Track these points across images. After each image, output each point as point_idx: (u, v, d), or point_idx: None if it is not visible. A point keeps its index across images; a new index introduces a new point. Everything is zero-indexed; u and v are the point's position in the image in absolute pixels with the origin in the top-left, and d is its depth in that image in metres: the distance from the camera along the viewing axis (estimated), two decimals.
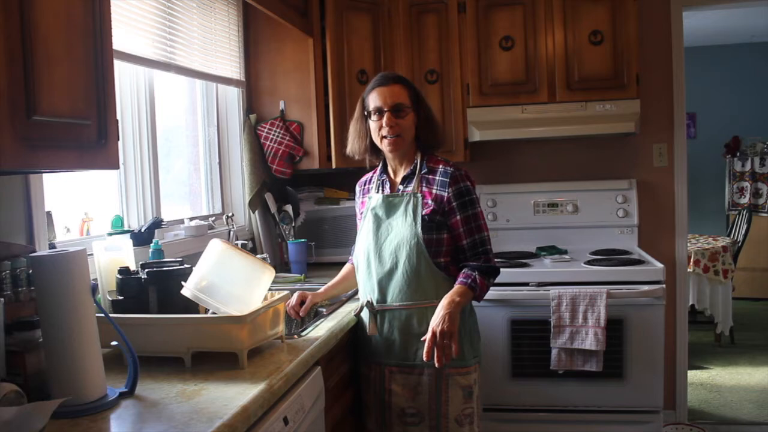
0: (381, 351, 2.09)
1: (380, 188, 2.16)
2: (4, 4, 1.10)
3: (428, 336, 1.88)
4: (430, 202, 2.04)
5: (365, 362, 2.15)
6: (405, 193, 2.09)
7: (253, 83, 3.18)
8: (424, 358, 1.89)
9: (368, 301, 2.09)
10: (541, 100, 3.16)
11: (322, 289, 2.26)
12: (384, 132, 2.04)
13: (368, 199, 2.18)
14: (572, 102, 3.13)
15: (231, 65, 2.99)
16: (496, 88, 3.20)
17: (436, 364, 1.87)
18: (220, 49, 2.87)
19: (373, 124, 2.08)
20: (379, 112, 2.05)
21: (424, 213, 2.03)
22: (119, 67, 2.16)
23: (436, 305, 1.95)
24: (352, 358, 2.19)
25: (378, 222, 2.10)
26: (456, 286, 1.98)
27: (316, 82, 3.11)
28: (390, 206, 2.09)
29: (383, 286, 2.06)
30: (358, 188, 2.28)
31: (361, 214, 2.21)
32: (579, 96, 3.13)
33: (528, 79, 3.18)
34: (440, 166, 2.08)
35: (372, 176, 2.24)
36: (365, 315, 2.12)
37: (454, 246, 2.06)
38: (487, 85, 3.21)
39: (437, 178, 2.06)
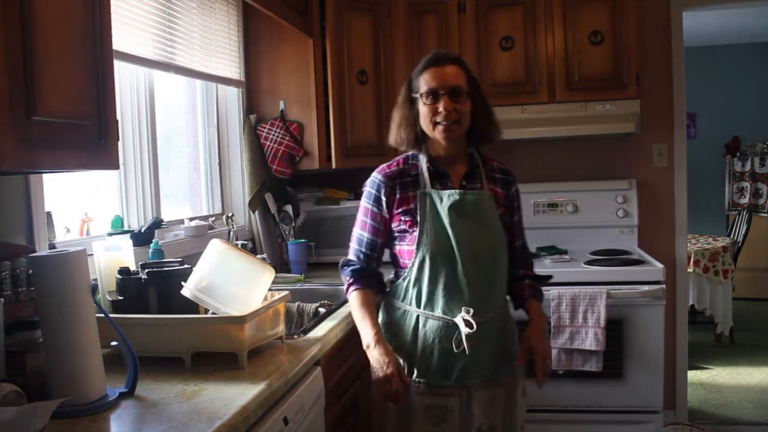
0: (468, 371, 1.81)
1: (436, 183, 1.87)
2: (4, 4, 1.10)
3: (541, 363, 1.87)
4: (501, 201, 1.91)
5: (438, 388, 1.82)
6: (479, 191, 1.87)
7: (253, 83, 3.18)
8: (540, 385, 1.85)
9: (466, 320, 1.76)
10: (541, 100, 3.16)
11: (377, 337, 1.81)
12: (439, 118, 1.79)
13: (424, 195, 1.84)
14: (572, 102, 3.13)
15: (231, 65, 2.99)
16: (496, 88, 3.20)
17: (542, 386, 1.86)
18: (220, 49, 2.87)
19: (424, 108, 1.82)
20: (434, 94, 1.80)
21: (500, 213, 1.89)
22: (119, 67, 2.16)
23: (508, 311, 1.93)
24: (353, 359, 2.18)
25: (462, 222, 1.81)
26: (533, 304, 1.95)
27: (316, 82, 3.11)
28: (471, 204, 1.83)
29: (481, 295, 1.80)
30: (386, 180, 1.88)
31: (400, 212, 1.85)
32: (579, 96, 3.13)
33: (528, 79, 3.18)
34: (495, 163, 1.96)
35: (403, 168, 1.90)
36: (441, 329, 1.81)
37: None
38: (487, 85, 3.20)
39: (498, 176, 1.94)
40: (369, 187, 1.92)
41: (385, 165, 1.94)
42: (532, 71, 3.17)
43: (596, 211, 3.43)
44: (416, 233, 1.82)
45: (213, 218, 2.85)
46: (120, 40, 2.06)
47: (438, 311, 1.80)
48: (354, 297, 1.88)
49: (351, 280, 1.90)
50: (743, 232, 5.47)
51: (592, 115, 3.11)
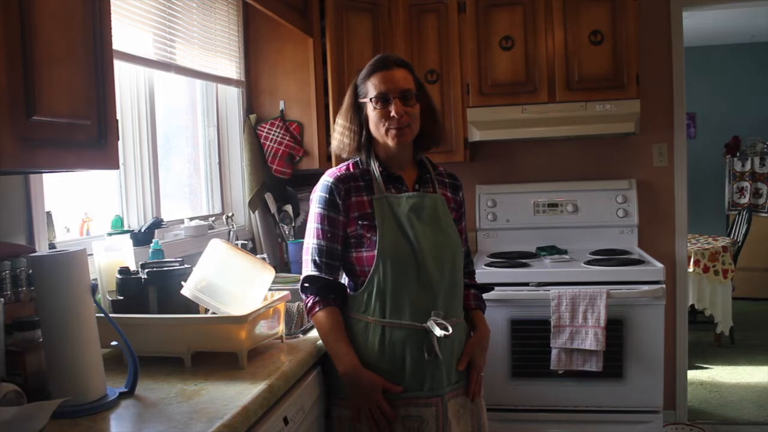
0: (440, 378, 1.75)
1: (390, 188, 1.82)
2: (4, 4, 1.10)
3: (476, 377, 1.84)
4: (452, 206, 1.90)
5: (413, 399, 1.73)
6: (433, 194, 1.85)
7: (253, 83, 3.18)
8: (473, 398, 1.83)
9: (440, 323, 1.71)
10: (541, 100, 3.16)
11: (351, 355, 1.73)
12: (392, 123, 1.75)
13: (381, 200, 1.77)
14: (572, 102, 3.13)
15: (231, 65, 2.99)
16: (496, 88, 3.20)
17: (475, 399, 1.85)
18: (220, 49, 2.87)
19: (374, 113, 1.77)
20: (384, 98, 1.75)
21: (453, 217, 1.89)
22: (119, 67, 2.16)
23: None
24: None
25: (421, 226, 1.77)
26: (479, 315, 1.92)
27: (316, 82, 3.11)
28: (429, 208, 1.81)
29: (449, 298, 1.78)
30: (339, 183, 1.80)
31: (356, 216, 1.77)
32: (579, 96, 3.12)
33: (528, 79, 3.18)
34: (441, 168, 1.95)
35: (354, 173, 1.83)
36: (409, 338, 1.73)
37: None
38: (487, 85, 3.21)
39: (447, 180, 1.93)
40: (321, 192, 1.81)
41: (335, 168, 1.86)
42: (532, 71, 3.17)
43: (596, 211, 3.43)
44: (375, 238, 1.74)
45: (213, 218, 2.85)
46: (120, 40, 2.06)
47: (406, 319, 1.72)
48: (322, 318, 1.75)
49: (316, 299, 1.77)
50: (743, 232, 5.47)
51: (592, 115, 3.11)
